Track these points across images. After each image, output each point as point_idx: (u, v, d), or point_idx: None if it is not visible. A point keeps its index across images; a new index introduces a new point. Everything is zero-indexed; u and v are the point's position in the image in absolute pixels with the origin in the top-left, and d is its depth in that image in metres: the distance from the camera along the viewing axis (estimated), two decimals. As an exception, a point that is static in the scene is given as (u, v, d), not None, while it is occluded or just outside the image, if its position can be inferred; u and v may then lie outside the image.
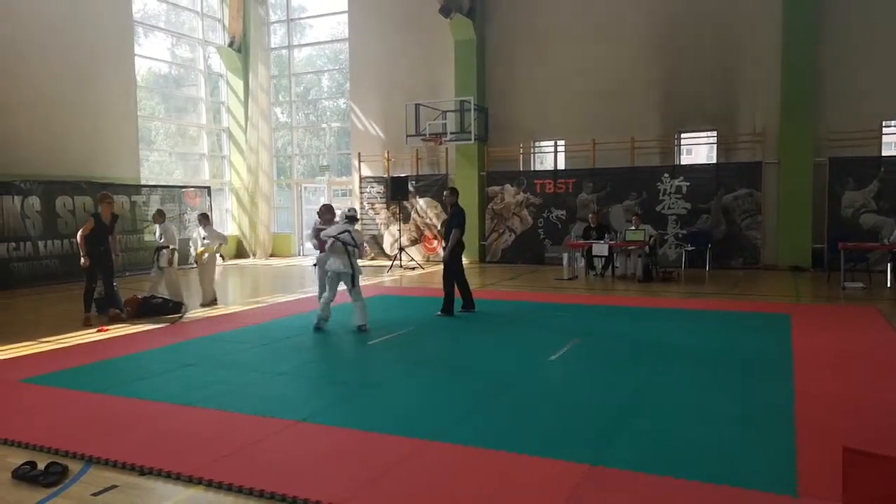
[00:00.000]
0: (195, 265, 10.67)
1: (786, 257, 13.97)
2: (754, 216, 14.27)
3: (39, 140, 14.11)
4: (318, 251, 8.52)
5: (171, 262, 10.13)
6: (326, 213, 8.74)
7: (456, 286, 9.13)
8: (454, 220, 9.03)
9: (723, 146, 14.89)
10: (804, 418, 4.62)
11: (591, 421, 4.70)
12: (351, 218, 8.22)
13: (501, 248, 16.74)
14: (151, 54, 18.47)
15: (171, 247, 10.16)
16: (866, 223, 13.34)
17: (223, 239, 10.84)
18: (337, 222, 8.38)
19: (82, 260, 8.85)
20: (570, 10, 15.91)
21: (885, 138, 13.91)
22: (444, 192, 9.66)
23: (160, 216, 10.42)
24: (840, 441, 3.51)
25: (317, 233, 8.47)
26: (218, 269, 11.78)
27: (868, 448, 2.81)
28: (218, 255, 10.75)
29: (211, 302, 10.33)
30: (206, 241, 10.38)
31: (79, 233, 8.94)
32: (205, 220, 10.54)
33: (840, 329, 7.80)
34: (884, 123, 13.69)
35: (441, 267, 9.50)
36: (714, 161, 15.09)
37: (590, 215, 14.48)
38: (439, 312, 9.02)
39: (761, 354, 6.62)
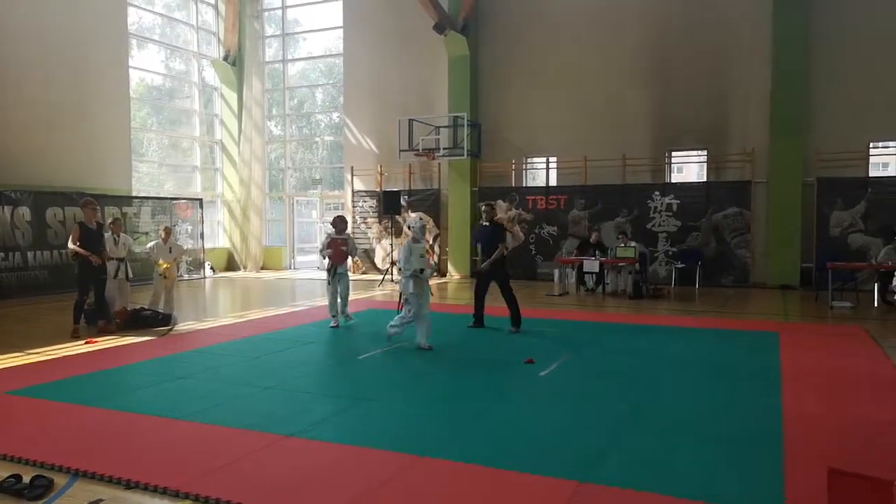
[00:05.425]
0: (155, 279, 10.26)
1: (775, 276, 14.07)
2: (744, 235, 14.39)
3: (31, 150, 14.06)
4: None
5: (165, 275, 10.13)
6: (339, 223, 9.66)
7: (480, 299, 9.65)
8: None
9: (713, 165, 15.03)
10: (792, 437, 4.64)
11: (579, 437, 4.71)
12: None
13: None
14: (146, 66, 18.48)
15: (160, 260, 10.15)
16: (854, 243, 13.47)
17: (183, 251, 10.92)
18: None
19: (92, 259, 8.74)
20: (563, 28, 16.08)
21: (872, 159, 14.09)
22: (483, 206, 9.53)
23: (167, 233, 10.38)
24: (826, 460, 3.53)
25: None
26: (208, 283, 11.70)
27: (854, 468, 2.83)
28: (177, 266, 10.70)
29: (173, 322, 9.64)
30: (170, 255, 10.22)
31: (69, 244, 8.88)
32: (168, 233, 10.42)
33: (828, 348, 7.85)
34: (871, 145, 13.89)
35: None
36: (704, 180, 15.22)
37: (593, 233, 14.56)
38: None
39: (750, 372, 6.65)
